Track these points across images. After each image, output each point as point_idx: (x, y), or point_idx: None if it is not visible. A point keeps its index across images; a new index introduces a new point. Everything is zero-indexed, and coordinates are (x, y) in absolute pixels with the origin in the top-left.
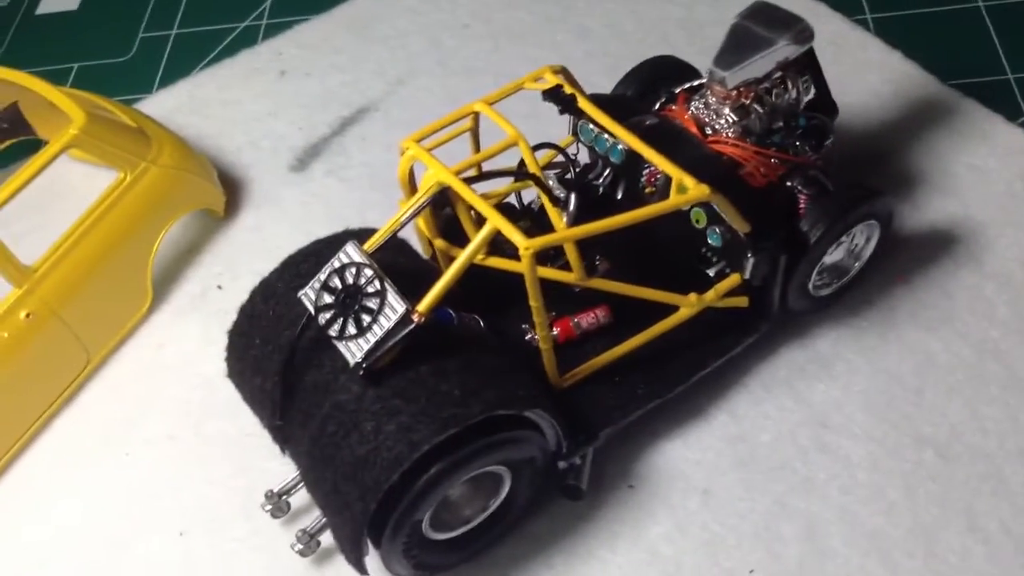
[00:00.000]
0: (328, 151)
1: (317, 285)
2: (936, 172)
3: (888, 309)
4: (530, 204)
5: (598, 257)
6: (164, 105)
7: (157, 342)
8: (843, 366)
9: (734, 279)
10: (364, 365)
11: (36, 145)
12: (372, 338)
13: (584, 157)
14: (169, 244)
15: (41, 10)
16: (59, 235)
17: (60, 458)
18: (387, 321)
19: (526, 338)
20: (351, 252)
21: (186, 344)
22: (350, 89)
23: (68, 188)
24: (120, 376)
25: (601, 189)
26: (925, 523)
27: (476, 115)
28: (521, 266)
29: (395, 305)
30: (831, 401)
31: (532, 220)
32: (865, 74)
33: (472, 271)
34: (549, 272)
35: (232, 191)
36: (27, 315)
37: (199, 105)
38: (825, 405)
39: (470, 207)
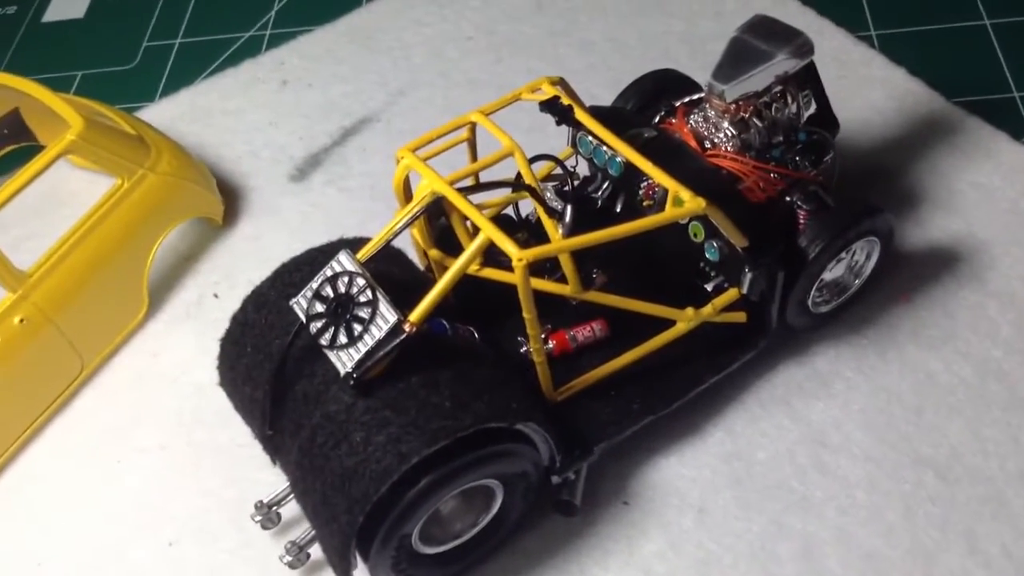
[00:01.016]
0: (328, 161)
1: (309, 294)
2: (940, 189)
3: (888, 327)
4: (528, 216)
5: (595, 270)
6: (166, 113)
7: (152, 350)
8: (842, 384)
9: (732, 294)
10: (355, 375)
11: (37, 151)
12: (363, 348)
13: (584, 169)
14: (167, 252)
15: (48, 17)
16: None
17: (52, 465)
18: (378, 331)
19: (521, 351)
20: (344, 261)
21: (181, 352)
22: (351, 99)
23: (69, 194)
24: (114, 384)
25: (600, 202)
26: (924, 546)
27: (473, 125)
28: (515, 277)
29: (386, 315)
30: (829, 420)
31: (530, 232)
32: (869, 90)
33: (469, 282)
34: (544, 284)
35: (231, 200)
36: (21, 320)
37: (200, 114)
38: (823, 424)
39: (465, 217)
